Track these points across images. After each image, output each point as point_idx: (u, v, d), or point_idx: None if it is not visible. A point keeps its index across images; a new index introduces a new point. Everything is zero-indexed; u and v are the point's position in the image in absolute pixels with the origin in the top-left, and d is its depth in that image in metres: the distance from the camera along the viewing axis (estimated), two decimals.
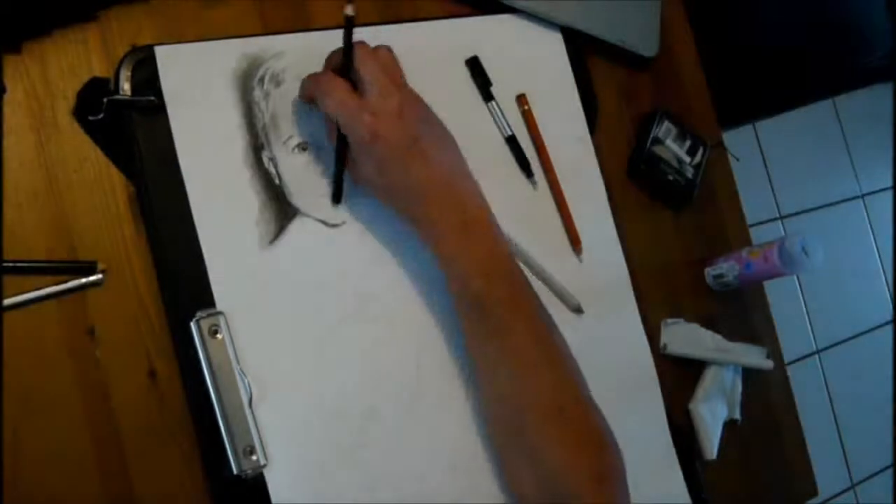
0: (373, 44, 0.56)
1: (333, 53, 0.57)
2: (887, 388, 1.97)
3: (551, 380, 0.56)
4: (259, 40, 0.60)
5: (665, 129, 0.77)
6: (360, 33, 0.63)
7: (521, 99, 0.70)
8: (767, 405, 0.80)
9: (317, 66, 0.58)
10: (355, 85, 0.55)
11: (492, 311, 0.56)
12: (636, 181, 0.76)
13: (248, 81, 0.59)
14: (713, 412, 0.74)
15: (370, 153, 0.55)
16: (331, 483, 0.56)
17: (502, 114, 0.69)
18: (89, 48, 0.56)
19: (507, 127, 0.69)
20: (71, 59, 0.55)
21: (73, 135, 0.55)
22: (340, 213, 0.61)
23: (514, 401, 0.56)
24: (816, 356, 2.03)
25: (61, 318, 0.53)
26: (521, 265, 0.60)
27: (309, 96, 0.57)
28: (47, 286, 0.52)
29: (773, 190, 2.03)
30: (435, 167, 0.56)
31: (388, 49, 0.57)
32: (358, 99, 0.54)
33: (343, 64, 0.55)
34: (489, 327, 0.56)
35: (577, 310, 0.68)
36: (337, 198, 0.60)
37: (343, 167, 0.59)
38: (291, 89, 0.60)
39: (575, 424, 0.55)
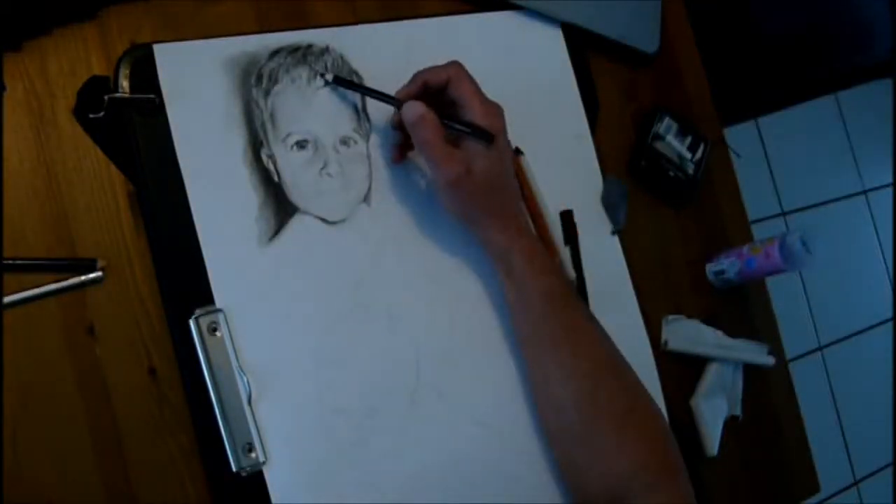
0: (371, 42, 0.56)
1: (429, 74, 0.58)
2: (890, 385, 1.97)
3: (618, 384, 0.58)
4: (257, 38, 0.60)
5: (666, 126, 0.77)
6: (360, 32, 0.64)
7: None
8: (769, 402, 0.80)
9: (315, 64, 0.58)
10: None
11: (556, 325, 0.58)
12: (637, 178, 0.76)
13: (246, 79, 0.59)
14: (714, 409, 0.74)
15: (443, 191, 0.58)
16: (330, 481, 0.56)
17: None
18: (89, 47, 0.56)
19: None
20: (71, 58, 0.55)
21: (73, 133, 0.55)
22: (340, 211, 0.61)
23: (582, 409, 0.57)
24: (819, 353, 2.03)
25: (61, 315, 0.53)
26: None
27: (402, 122, 0.58)
28: (47, 284, 0.52)
29: (774, 186, 2.03)
30: (510, 227, 0.60)
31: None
32: (449, 147, 0.57)
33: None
34: (553, 340, 0.58)
35: None
36: None
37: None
38: (289, 87, 0.60)
39: (644, 422, 0.58)
